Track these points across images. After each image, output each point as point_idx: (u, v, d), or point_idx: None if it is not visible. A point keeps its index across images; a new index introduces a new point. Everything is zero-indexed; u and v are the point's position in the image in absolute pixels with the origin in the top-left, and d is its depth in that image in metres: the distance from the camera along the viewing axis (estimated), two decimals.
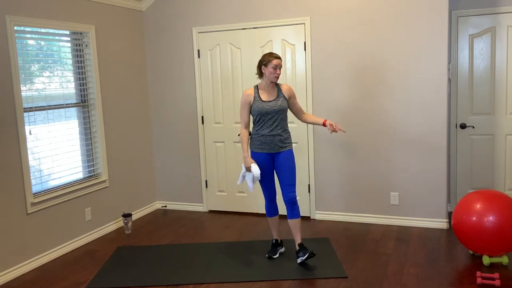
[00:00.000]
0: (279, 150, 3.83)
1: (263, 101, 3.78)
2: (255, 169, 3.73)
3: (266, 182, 3.91)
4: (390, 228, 4.66)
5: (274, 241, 4.10)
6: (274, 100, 3.79)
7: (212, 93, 5.31)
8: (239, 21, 5.06)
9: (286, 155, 3.83)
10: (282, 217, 5.08)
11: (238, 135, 5.24)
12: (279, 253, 4.07)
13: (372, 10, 4.57)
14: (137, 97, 5.42)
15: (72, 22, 4.48)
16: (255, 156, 3.86)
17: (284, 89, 3.87)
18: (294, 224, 3.85)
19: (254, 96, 3.81)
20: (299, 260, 3.83)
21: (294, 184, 3.83)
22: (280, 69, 3.77)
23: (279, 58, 3.76)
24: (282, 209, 5.07)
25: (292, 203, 3.81)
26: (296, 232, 3.86)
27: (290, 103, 3.91)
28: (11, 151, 3.89)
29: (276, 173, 3.89)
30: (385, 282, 3.49)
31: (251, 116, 3.89)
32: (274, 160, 3.87)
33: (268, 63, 3.73)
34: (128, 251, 4.34)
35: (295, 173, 3.86)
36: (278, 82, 3.99)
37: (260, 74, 3.82)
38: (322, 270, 3.73)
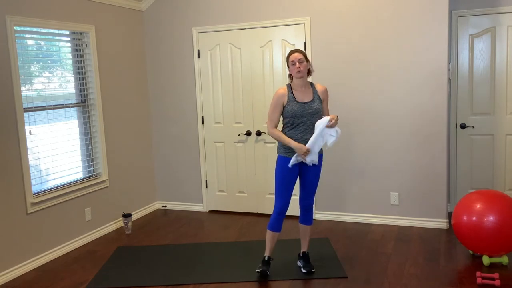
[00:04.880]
0: None
1: (298, 102, 3.47)
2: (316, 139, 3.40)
3: (284, 190, 3.53)
4: (390, 228, 4.66)
5: (266, 258, 3.70)
6: (310, 102, 3.49)
7: (212, 93, 5.31)
8: (239, 21, 5.06)
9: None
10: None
11: (238, 135, 5.25)
12: (267, 272, 3.65)
13: (372, 10, 4.57)
14: (137, 97, 5.42)
15: (72, 22, 4.48)
16: (282, 161, 3.52)
17: (319, 89, 3.57)
18: (304, 229, 3.75)
19: (288, 97, 3.49)
20: (298, 263, 3.84)
21: (315, 191, 3.66)
22: (301, 63, 3.44)
23: (295, 52, 3.49)
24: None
25: (308, 209, 3.69)
26: (304, 239, 3.77)
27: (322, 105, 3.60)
28: (11, 151, 3.89)
29: (300, 176, 3.61)
30: (385, 282, 3.49)
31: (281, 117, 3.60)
32: (300, 165, 3.57)
33: (288, 62, 3.51)
34: (128, 251, 4.34)
35: (319, 179, 3.65)
36: (313, 82, 3.69)
37: (290, 76, 3.57)
38: (322, 270, 3.73)
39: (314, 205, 5.02)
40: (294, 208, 4.92)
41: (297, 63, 3.45)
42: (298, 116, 3.47)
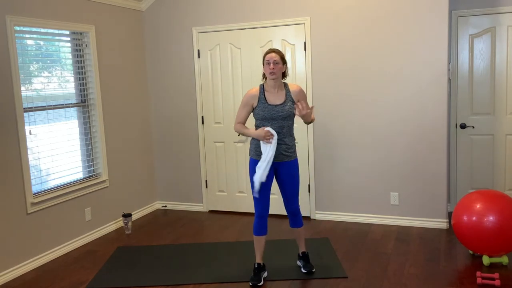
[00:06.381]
0: (283, 159, 3.44)
1: (269, 104, 3.37)
2: (271, 130, 3.31)
3: (261, 194, 3.44)
4: (390, 228, 4.66)
5: (256, 266, 3.58)
6: (281, 104, 3.38)
7: (212, 93, 5.31)
8: (239, 21, 5.06)
9: (291, 165, 3.47)
10: (281, 217, 5.08)
11: (238, 135, 5.25)
12: (263, 279, 3.60)
13: (372, 10, 4.57)
14: (137, 97, 5.42)
15: (72, 22, 4.48)
16: (254, 164, 3.43)
17: (293, 90, 3.44)
18: (297, 232, 3.70)
19: (259, 98, 3.39)
20: (298, 263, 3.83)
21: (297, 195, 3.57)
22: (276, 64, 3.33)
23: (272, 52, 3.36)
24: (278, 209, 5.07)
25: (294, 214, 3.61)
26: (300, 240, 3.72)
27: None
28: (11, 151, 3.89)
29: (278, 183, 3.55)
30: (385, 282, 3.49)
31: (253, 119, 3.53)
32: (276, 170, 3.49)
33: (263, 61, 3.39)
34: (128, 251, 4.34)
35: (299, 184, 3.59)
36: (287, 81, 3.57)
37: (264, 75, 3.46)
38: (322, 270, 3.73)
39: (314, 205, 5.03)
40: None
41: (271, 64, 3.33)
42: (269, 119, 3.37)
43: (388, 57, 4.57)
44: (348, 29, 4.67)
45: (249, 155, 3.53)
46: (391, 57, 4.56)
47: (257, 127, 3.47)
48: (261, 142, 3.40)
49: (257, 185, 3.38)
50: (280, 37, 4.92)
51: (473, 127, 4.90)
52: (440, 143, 4.51)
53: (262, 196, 3.46)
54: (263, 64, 3.41)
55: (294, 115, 3.45)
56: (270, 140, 3.34)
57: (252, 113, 3.50)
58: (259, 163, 3.38)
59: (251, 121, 3.73)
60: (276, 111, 3.37)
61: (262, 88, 3.45)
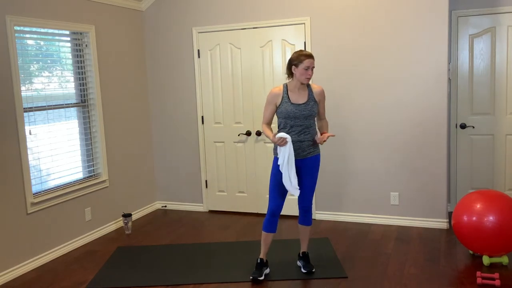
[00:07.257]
0: (306, 156, 3.50)
1: (293, 103, 3.43)
2: (283, 134, 3.31)
3: (277, 192, 3.49)
4: (390, 228, 4.66)
5: (259, 261, 3.66)
6: (304, 103, 3.44)
7: (212, 93, 5.31)
8: (239, 21, 5.06)
9: (313, 161, 3.52)
10: (281, 217, 5.08)
11: (238, 135, 5.25)
12: (264, 275, 3.65)
13: (372, 10, 4.57)
14: (137, 97, 5.42)
15: (72, 22, 4.49)
16: (276, 162, 3.48)
17: (315, 91, 3.50)
18: (303, 230, 3.73)
19: (283, 97, 3.45)
20: (298, 263, 3.84)
21: (313, 192, 3.62)
22: (312, 70, 3.40)
23: (311, 57, 3.38)
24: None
25: (306, 211, 3.66)
26: (304, 239, 3.75)
27: (319, 106, 3.56)
28: (11, 151, 3.89)
29: (297, 177, 3.54)
30: (385, 282, 3.49)
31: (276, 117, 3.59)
32: (298, 167, 3.52)
33: (299, 63, 3.37)
34: (128, 251, 4.34)
35: (317, 180, 3.62)
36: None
37: (290, 74, 3.45)
38: (322, 270, 3.73)
39: (314, 205, 5.03)
40: (293, 208, 4.93)
41: (310, 70, 3.38)
42: (292, 117, 3.43)
43: (388, 57, 4.57)
44: (348, 29, 4.67)
45: (273, 154, 3.55)
46: (391, 57, 4.56)
47: (280, 125, 3.52)
48: (278, 146, 3.44)
49: (288, 186, 3.40)
50: (280, 37, 4.92)
51: (473, 127, 4.90)
52: (440, 143, 4.52)
53: (278, 195, 3.50)
54: (296, 66, 3.39)
55: (316, 114, 3.52)
56: (285, 142, 3.34)
57: (275, 112, 3.55)
58: (280, 167, 3.40)
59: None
60: (299, 110, 3.43)
61: (286, 87, 3.49)
